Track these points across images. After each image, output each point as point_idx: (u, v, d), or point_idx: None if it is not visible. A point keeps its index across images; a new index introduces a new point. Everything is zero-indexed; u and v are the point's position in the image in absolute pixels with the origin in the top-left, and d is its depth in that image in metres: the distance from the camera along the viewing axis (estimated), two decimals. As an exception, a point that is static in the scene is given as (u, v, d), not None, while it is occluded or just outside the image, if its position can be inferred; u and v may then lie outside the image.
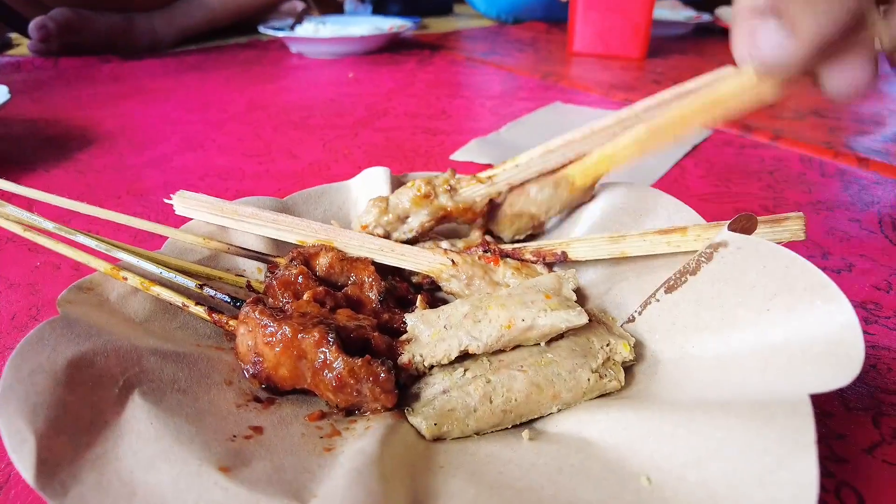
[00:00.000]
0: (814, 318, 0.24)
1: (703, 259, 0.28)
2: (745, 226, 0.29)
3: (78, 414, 0.23)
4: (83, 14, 1.19)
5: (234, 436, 0.25)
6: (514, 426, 0.28)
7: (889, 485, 0.28)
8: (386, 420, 0.27)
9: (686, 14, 1.59)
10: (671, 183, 0.62)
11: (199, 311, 0.31)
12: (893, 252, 0.49)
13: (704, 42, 1.49)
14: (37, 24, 1.14)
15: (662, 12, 1.54)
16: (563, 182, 0.38)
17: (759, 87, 0.32)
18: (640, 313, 0.31)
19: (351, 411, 0.29)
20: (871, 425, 0.31)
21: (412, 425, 0.27)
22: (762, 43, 0.28)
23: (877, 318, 0.41)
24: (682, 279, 0.29)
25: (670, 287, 0.30)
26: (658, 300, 0.30)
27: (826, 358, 0.22)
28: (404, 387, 0.30)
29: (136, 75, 1.12)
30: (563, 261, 0.38)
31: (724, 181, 0.63)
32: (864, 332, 0.39)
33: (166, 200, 0.40)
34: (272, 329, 0.28)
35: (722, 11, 1.52)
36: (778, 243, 0.32)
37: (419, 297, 0.36)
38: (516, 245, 0.39)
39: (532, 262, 0.38)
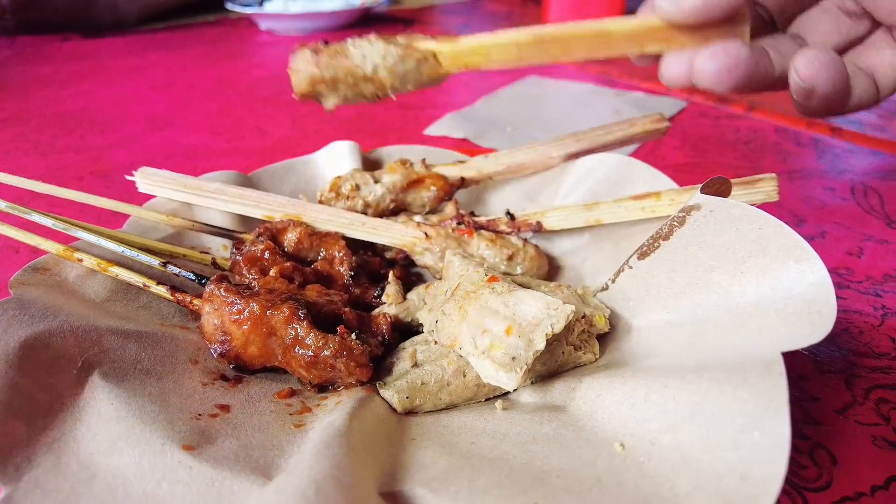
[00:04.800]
0: (787, 278, 0.23)
1: (675, 223, 0.28)
2: (719, 189, 0.29)
3: (33, 397, 0.22)
4: (41, -10, 1.14)
5: (200, 414, 0.24)
6: (488, 399, 0.27)
7: (860, 444, 0.28)
8: (358, 394, 0.27)
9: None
10: (647, 154, 0.62)
11: (161, 290, 0.30)
12: (865, 219, 0.49)
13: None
14: (-10, 2, 1.09)
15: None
16: (425, 59, 0.34)
17: (650, 36, 0.31)
18: (613, 281, 0.31)
19: (324, 387, 0.28)
20: (844, 387, 0.32)
21: (384, 399, 0.27)
22: None
23: (849, 282, 0.41)
24: (655, 245, 0.29)
25: (643, 254, 0.29)
26: (631, 267, 0.30)
27: (799, 317, 0.22)
28: (377, 359, 0.29)
29: (99, 54, 1.08)
30: (539, 230, 0.37)
31: (700, 152, 0.63)
32: (837, 296, 0.39)
33: (128, 177, 0.38)
34: (239, 306, 0.27)
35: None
36: (752, 205, 0.32)
37: (391, 272, 0.35)
38: (490, 217, 0.38)
39: (507, 233, 0.37)
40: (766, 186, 0.32)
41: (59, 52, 1.09)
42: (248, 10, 1.18)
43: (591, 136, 0.42)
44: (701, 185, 0.28)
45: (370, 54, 0.33)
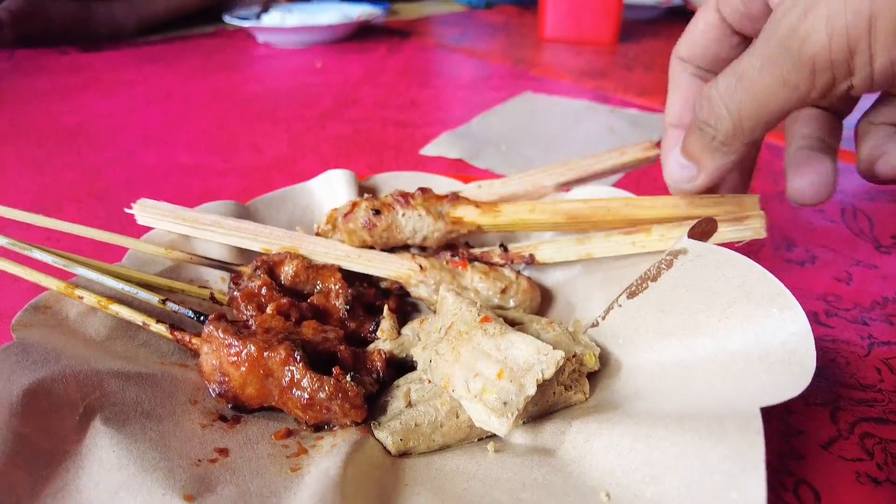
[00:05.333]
0: (770, 326, 0.24)
1: (663, 266, 0.29)
2: (705, 229, 0.30)
3: (36, 446, 0.22)
4: (38, 3, 1.14)
5: (200, 460, 0.24)
6: (480, 439, 0.28)
7: (844, 480, 0.29)
8: (353, 435, 0.27)
9: (657, -4, 1.59)
10: (640, 175, 0.63)
11: (161, 329, 0.30)
12: (854, 242, 0.50)
13: (675, 25, 1.49)
14: (-10, 16, 1.10)
15: (633, -6, 1.54)
16: (470, 230, 0.38)
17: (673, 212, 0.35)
18: (603, 318, 0.32)
19: (319, 426, 0.28)
20: (829, 420, 0.32)
21: (378, 440, 0.27)
22: (673, 174, 0.32)
23: (837, 310, 0.42)
24: (644, 285, 0.29)
25: (632, 293, 0.30)
26: (620, 305, 0.31)
27: (782, 365, 0.23)
28: (372, 396, 0.30)
29: (96, 66, 1.08)
30: (531, 263, 0.38)
31: (691, 172, 0.64)
32: (825, 324, 0.40)
33: (128, 210, 0.39)
34: (237, 348, 0.28)
35: (692, -6, 1.52)
36: (741, 241, 0.33)
37: (386, 305, 0.35)
38: (485, 249, 0.39)
39: (500, 265, 0.38)
40: (754, 223, 0.33)
41: (57, 64, 1.09)
42: (245, 24, 1.19)
43: (583, 164, 0.43)
44: (688, 229, 0.29)
45: (420, 228, 0.37)
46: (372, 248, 0.38)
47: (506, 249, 0.38)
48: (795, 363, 0.22)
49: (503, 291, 0.35)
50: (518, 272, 0.37)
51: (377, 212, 0.37)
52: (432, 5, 1.79)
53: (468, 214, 0.38)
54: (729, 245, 0.30)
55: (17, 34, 1.14)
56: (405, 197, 0.38)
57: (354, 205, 0.38)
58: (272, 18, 1.21)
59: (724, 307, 0.26)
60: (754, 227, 0.33)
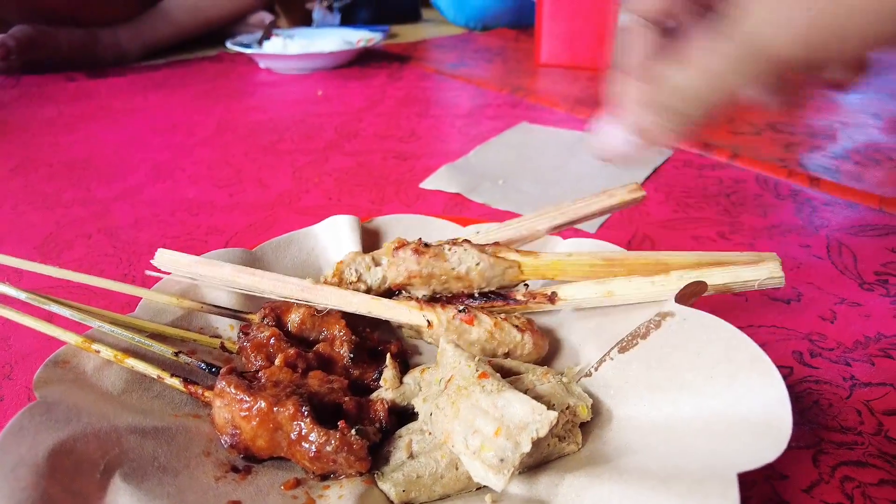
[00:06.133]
0: (751, 390, 0.26)
1: (652, 326, 0.30)
2: (694, 290, 0.32)
3: (62, 505, 0.24)
4: (45, 30, 1.17)
5: (214, 514, 0.26)
6: (478, 489, 0.29)
7: (824, 527, 0.30)
8: (357, 486, 0.29)
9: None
10: (633, 210, 0.64)
11: (175, 382, 0.32)
12: (839, 279, 0.52)
13: (668, 49, 1.52)
14: (-3, 43, 1.12)
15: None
16: (511, 267, 0.40)
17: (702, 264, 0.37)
18: (595, 369, 0.33)
19: (326, 476, 0.30)
20: (811, 464, 0.34)
21: (381, 490, 0.29)
22: (618, 147, 0.34)
23: (821, 350, 0.43)
24: (634, 342, 0.31)
25: (623, 348, 0.32)
26: (612, 359, 0.32)
27: (761, 429, 0.24)
28: (374, 446, 0.32)
29: (101, 93, 1.11)
30: (553, 301, 0.39)
31: (683, 206, 0.66)
32: (809, 364, 0.42)
33: (148, 273, 0.40)
34: (248, 403, 0.29)
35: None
36: (758, 282, 0.35)
37: (389, 352, 0.37)
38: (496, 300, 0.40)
39: (523, 303, 0.39)
40: (770, 265, 0.35)
41: (64, 92, 1.11)
42: (247, 51, 1.21)
43: (574, 208, 0.45)
44: (676, 294, 0.31)
45: (465, 259, 0.39)
46: (417, 278, 0.40)
47: (527, 286, 0.40)
48: (774, 427, 0.24)
49: (507, 354, 0.37)
50: (523, 329, 0.38)
51: (427, 245, 0.40)
52: (430, 27, 1.82)
53: (510, 255, 0.40)
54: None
55: (23, 61, 1.17)
56: (451, 241, 0.41)
57: (403, 243, 0.41)
58: (274, 45, 1.24)
59: (709, 367, 0.28)
60: (769, 268, 0.35)
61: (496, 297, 0.40)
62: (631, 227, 0.61)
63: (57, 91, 1.12)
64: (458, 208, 0.65)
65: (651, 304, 0.36)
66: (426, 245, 0.40)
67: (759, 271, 0.35)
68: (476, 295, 0.40)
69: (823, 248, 0.57)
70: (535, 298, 0.39)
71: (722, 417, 0.26)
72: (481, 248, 0.40)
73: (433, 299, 0.40)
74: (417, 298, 0.40)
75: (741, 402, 0.26)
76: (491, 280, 0.40)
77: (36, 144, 0.85)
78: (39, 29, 1.16)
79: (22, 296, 0.35)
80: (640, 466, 0.26)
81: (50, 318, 0.35)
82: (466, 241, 0.41)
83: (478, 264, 0.39)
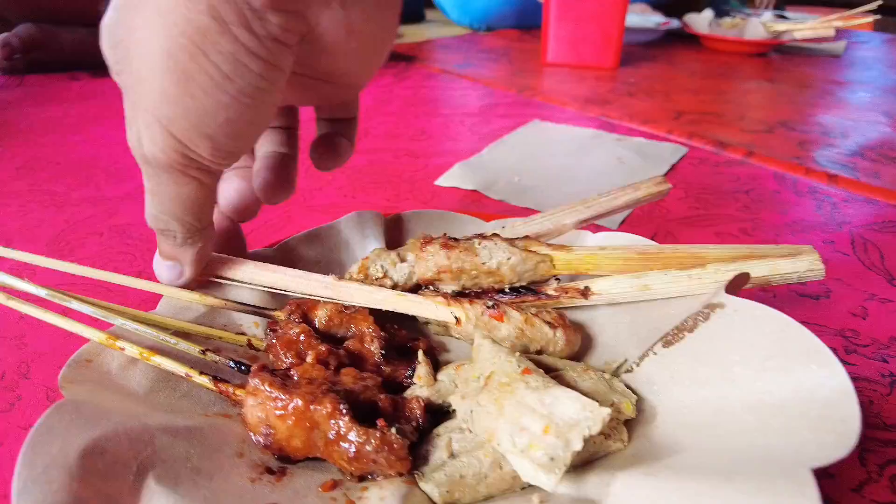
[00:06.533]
0: (809, 382, 0.25)
1: (700, 318, 0.29)
2: (738, 283, 0.31)
3: (95, 508, 0.23)
4: (49, 30, 1.15)
5: (252, 518, 0.25)
6: (523, 488, 0.28)
7: (880, 527, 0.29)
8: (399, 487, 0.28)
9: (655, 20, 1.61)
10: (652, 207, 0.64)
11: (204, 381, 0.31)
12: (867, 276, 0.51)
13: (674, 49, 1.51)
14: (0, 42, 1.11)
15: (632, 18, 1.57)
16: (543, 262, 0.39)
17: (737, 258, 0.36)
18: (637, 365, 0.32)
19: (363, 477, 0.29)
20: (858, 463, 0.33)
21: (424, 492, 0.28)
22: (163, 277, 0.36)
23: (855, 346, 0.42)
24: (680, 335, 0.30)
25: (667, 342, 0.31)
26: (656, 353, 0.31)
27: (824, 422, 0.23)
28: (412, 445, 0.30)
29: (106, 93, 1.09)
30: (586, 296, 0.38)
31: (702, 203, 0.65)
32: (845, 361, 0.41)
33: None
34: (283, 402, 0.28)
35: (690, 18, 1.55)
36: (798, 274, 0.34)
37: (420, 349, 0.36)
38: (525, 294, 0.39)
39: (549, 298, 0.38)
40: (808, 257, 0.34)
41: (68, 91, 1.10)
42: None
43: (600, 202, 0.44)
44: (725, 284, 0.30)
45: (496, 254, 0.38)
46: (447, 272, 0.39)
47: (558, 280, 0.39)
48: (839, 421, 0.23)
49: (539, 351, 0.36)
50: (556, 325, 0.37)
51: (456, 239, 0.39)
52: (434, 28, 1.82)
53: (542, 249, 0.39)
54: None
55: (27, 60, 1.15)
56: (480, 235, 0.40)
57: (430, 238, 0.40)
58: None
59: (761, 360, 0.27)
60: (809, 260, 0.34)
61: (526, 291, 0.39)
62: (651, 225, 0.60)
63: (61, 91, 1.10)
64: (476, 205, 0.64)
65: (687, 297, 0.35)
66: (454, 240, 0.39)
67: (799, 263, 0.34)
68: (506, 290, 0.39)
69: (848, 244, 0.56)
70: (567, 293, 0.38)
71: (779, 412, 0.25)
72: (511, 242, 0.39)
73: (461, 294, 0.39)
74: (445, 294, 0.39)
75: (799, 396, 0.25)
76: (522, 275, 0.39)
77: (41, 144, 0.84)
78: (43, 28, 1.15)
79: (42, 292, 0.34)
80: (696, 463, 0.25)
81: (69, 315, 0.34)
82: (496, 234, 0.40)
83: (509, 259, 0.38)
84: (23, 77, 1.17)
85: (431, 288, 0.40)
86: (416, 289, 0.40)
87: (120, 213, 0.63)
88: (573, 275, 0.40)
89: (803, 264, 0.34)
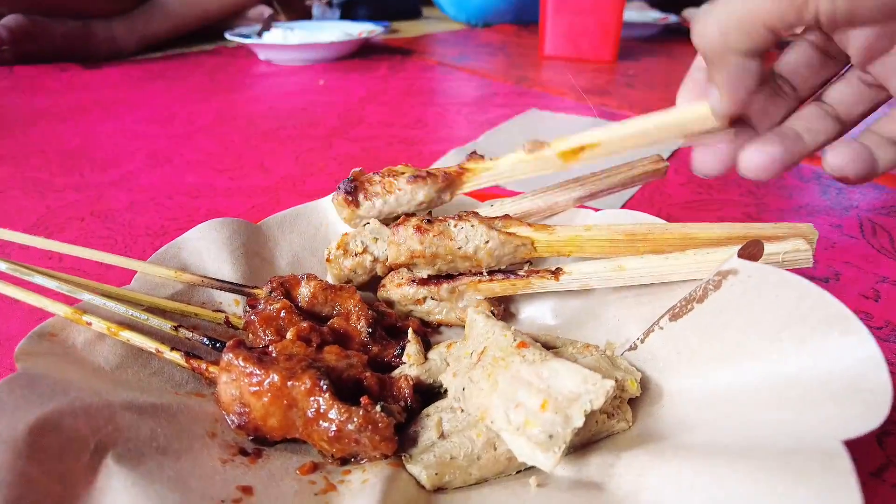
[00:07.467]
0: (831, 351, 0.23)
1: (710, 286, 0.27)
2: (752, 252, 0.28)
3: (45, 490, 0.21)
4: (38, 21, 1.13)
5: (223, 500, 0.23)
6: (519, 471, 0.26)
7: (902, 512, 0.27)
8: (383, 470, 0.25)
9: (653, 15, 1.60)
10: (653, 192, 0.62)
11: (176, 356, 0.28)
12: (877, 259, 0.49)
13: (673, 43, 1.50)
14: (-10, 33, 1.09)
15: (630, 14, 1.55)
16: (523, 245, 0.36)
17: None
18: (642, 341, 0.30)
19: (346, 460, 0.27)
20: (877, 446, 0.31)
21: (411, 474, 0.26)
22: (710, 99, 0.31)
23: (869, 329, 0.40)
24: (688, 307, 0.28)
25: (675, 315, 0.29)
26: (662, 328, 0.29)
27: (848, 393, 0.21)
28: (399, 427, 0.28)
29: (96, 85, 1.07)
30: (557, 277, 0.36)
31: (705, 188, 0.63)
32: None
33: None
34: (259, 377, 0.26)
35: (689, 13, 1.53)
36: (781, 256, 0.31)
37: (410, 328, 0.34)
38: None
39: (521, 278, 0.36)
40: (795, 242, 0.31)
41: (58, 83, 1.08)
42: (247, 41, 1.18)
43: (594, 180, 0.42)
44: (738, 250, 0.28)
45: (473, 237, 0.35)
46: (420, 258, 0.36)
47: (530, 263, 0.37)
48: (865, 391, 0.21)
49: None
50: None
51: (430, 221, 0.36)
52: (431, 24, 1.80)
53: (522, 230, 0.36)
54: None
55: (17, 52, 1.13)
56: (457, 215, 0.36)
57: (405, 218, 0.36)
58: (274, 36, 1.21)
59: (777, 330, 0.24)
60: (793, 243, 0.32)
61: (499, 272, 0.37)
62: (653, 209, 0.58)
63: (50, 82, 1.08)
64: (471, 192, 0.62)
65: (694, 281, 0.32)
66: (429, 221, 0.36)
67: (783, 245, 0.31)
68: (484, 273, 0.36)
69: (856, 228, 0.54)
70: (538, 274, 0.36)
71: (795, 383, 0.23)
72: (490, 222, 0.36)
73: (437, 277, 0.37)
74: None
75: (818, 365, 0.23)
76: (501, 259, 0.36)
77: (28, 134, 0.82)
78: (33, 19, 1.13)
79: (2, 266, 0.31)
80: (708, 441, 0.23)
81: (35, 289, 0.31)
82: (474, 213, 0.37)
83: (486, 242, 0.35)
84: (12, 68, 1.15)
85: (407, 271, 0.38)
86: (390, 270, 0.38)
87: (104, 199, 0.61)
88: (553, 256, 0.37)
89: (786, 246, 0.31)
